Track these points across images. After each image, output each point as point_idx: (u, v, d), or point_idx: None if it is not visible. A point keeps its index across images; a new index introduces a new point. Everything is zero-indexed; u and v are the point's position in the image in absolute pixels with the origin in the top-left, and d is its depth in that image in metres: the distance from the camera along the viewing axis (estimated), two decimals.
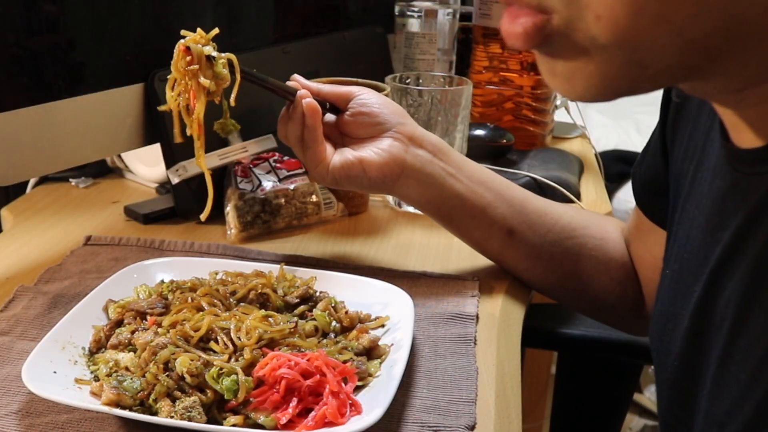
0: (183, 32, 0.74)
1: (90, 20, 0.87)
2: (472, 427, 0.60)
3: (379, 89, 1.00)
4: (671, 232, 0.65)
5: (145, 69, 0.93)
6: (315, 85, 0.82)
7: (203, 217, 0.78)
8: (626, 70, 0.41)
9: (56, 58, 0.84)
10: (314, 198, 0.98)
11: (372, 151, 0.80)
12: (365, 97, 0.82)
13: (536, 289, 0.87)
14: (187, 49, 0.74)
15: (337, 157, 0.80)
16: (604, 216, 0.85)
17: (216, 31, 0.75)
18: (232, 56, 0.76)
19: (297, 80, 0.82)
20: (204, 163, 0.78)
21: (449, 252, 0.92)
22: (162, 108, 0.77)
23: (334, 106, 0.83)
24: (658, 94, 0.71)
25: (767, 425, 0.44)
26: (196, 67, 0.73)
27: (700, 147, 0.60)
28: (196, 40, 0.74)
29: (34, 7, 0.81)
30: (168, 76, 0.75)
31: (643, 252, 0.80)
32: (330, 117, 0.83)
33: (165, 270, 0.78)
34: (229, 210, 0.94)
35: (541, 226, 0.82)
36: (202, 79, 0.74)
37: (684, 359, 0.57)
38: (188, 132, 0.76)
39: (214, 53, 0.75)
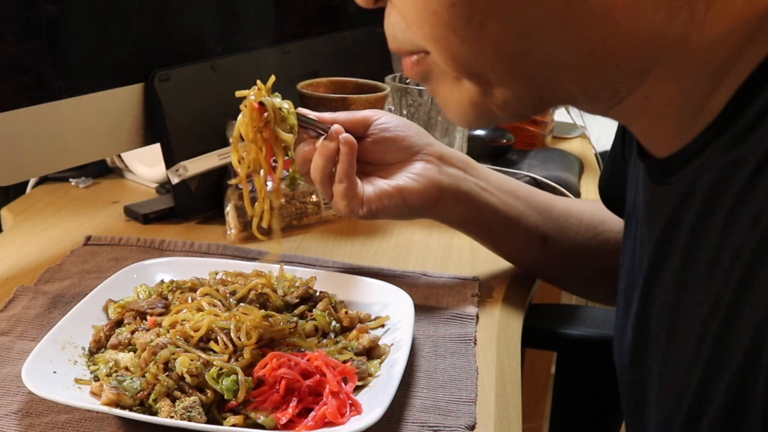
0: (238, 93, 0.68)
1: (90, 20, 0.87)
2: (472, 427, 0.60)
3: (379, 89, 1.00)
4: (622, 247, 0.65)
5: (145, 69, 0.93)
6: (329, 115, 0.78)
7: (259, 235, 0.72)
8: (477, 98, 0.48)
9: (56, 58, 0.84)
10: (314, 198, 0.98)
11: (408, 178, 0.77)
12: (385, 121, 0.79)
13: (571, 292, 0.87)
14: (261, 105, 0.67)
15: (369, 188, 0.76)
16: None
17: (273, 79, 0.69)
18: (289, 102, 0.70)
19: (309, 114, 0.76)
20: (279, 228, 0.71)
21: (449, 252, 0.92)
22: (234, 182, 0.71)
23: (350, 133, 0.77)
24: None
25: None
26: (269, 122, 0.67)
27: (634, 162, 0.61)
28: (259, 93, 0.68)
29: (34, 7, 0.81)
30: (232, 140, 0.69)
31: None
32: None
33: (165, 270, 0.78)
34: (229, 210, 0.94)
35: (570, 229, 0.82)
36: (282, 135, 0.68)
37: (632, 371, 0.57)
38: (261, 196, 0.70)
39: (285, 104, 0.69)
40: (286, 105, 0.69)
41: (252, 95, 0.68)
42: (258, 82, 0.69)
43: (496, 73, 0.46)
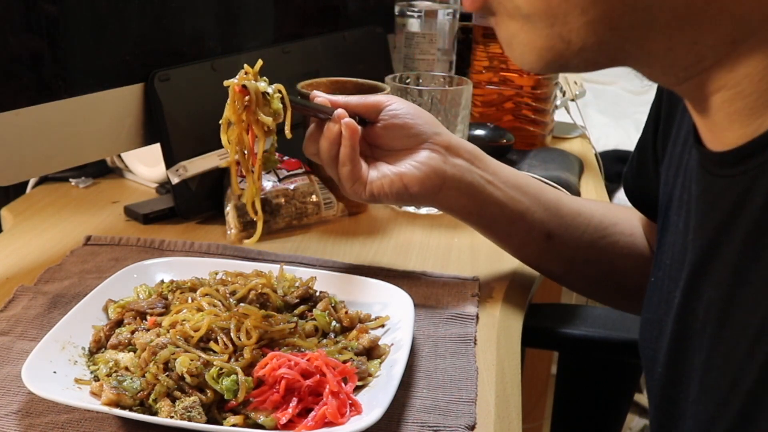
0: (225, 83, 0.71)
1: (90, 20, 0.87)
2: (472, 427, 0.60)
3: (379, 89, 1.00)
4: (658, 240, 0.64)
5: (145, 69, 0.93)
6: (342, 98, 0.79)
7: (251, 242, 0.78)
8: (551, 42, 0.45)
9: (56, 58, 0.84)
10: (314, 198, 0.98)
11: (411, 165, 0.77)
12: (396, 107, 0.79)
13: (575, 291, 0.86)
14: (243, 88, 0.70)
15: (374, 173, 0.77)
16: (627, 209, 0.84)
17: (260, 63, 0.72)
18: (281, 87, 0.73)
19: (321, 96, 0.79)
20: (259, 205, 0.75)
21: (449, 252, 0.92)
22: (225, 163, 0.74)
23: (362, 117, 0.79)
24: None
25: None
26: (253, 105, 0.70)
27: (679, 153, 0.60)
28: (245, 77, 0.70)
29: (34, 7, 0.81)
30: (221, 121, 0.72)
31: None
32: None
33: (165, 270, 0.78)
34: (229, 210, 0.94)
35: (576, 228, 0.81)
36: (262, 117, 0.71)
37: (669, 367, 0.57)
38: (246, 176, 0.73)
39: (269, 88, 0.72)
40: (270, 90, 0.71)
41: (236, 78, 0.71)
42: (245, 66, 0.71)
43: (584, 17, 0.43)
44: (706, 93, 0.46)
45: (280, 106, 0.72)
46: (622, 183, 0.79)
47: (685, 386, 0.53)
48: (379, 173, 0.77)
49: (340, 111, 0.76)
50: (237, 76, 0.71)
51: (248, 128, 0.72)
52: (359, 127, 0.77)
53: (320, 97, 0.79)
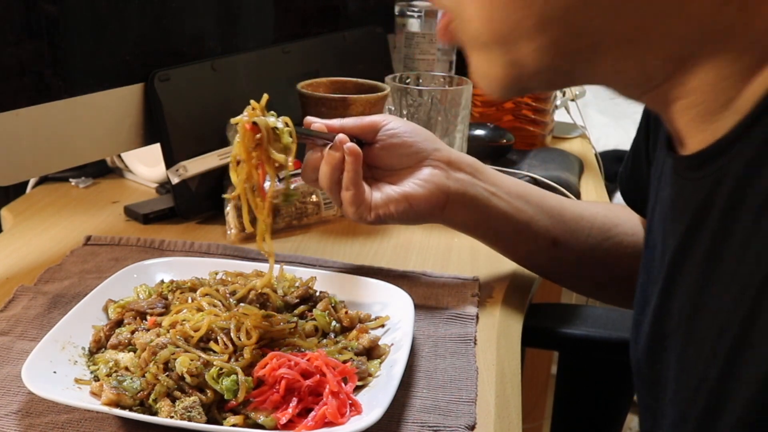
0: (233, 120, 0.69)
1: (90, 20, 0.87)
2: (472, 427, 0.60)
3: (378, 89, 1.00)
4: (644, 241, 0.65)
5: (145, 69, 0.93)
6: (337, 122, 0.78)
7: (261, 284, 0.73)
8: (507, 68, 0.48)
9: (56, 58, 0.84)
10: (314, 198, 0.98)
11: (415, 184, 0.77)
12: (393, 126, 0.79)
13: (585, 295, 0.86)
14: (254, 125, 0.68)
15: (378, 194, 0.77)
16: (628, 209, 0.84)
17: (266, 97, 0.70)
18: (288, 119, 0.70)
19: (317, 121, 0.78)
20: (272, 245, 0.71)
21: (449, 252, 0.92)
22: (229, 196, 0.71)
23: (359, 139, 0.78)
24: None
25: None
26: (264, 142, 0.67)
27: (662, 157, 0.60)
28: (253, 113, 0.68)
29: (34, 7, 0.81)
30: (230, 157, 0.69)
31: None
32: None
33: (165, 270, 0.78)
34: (229, 210, 0.94)
35: (581, 232, 0.81)
36: (275, 155, 0.68)
37: (649, 367, 0.57)
38: (257, 213, 0.70)
39: (279, 123, 0.69)
40: (281, 124, 0.69)
41: (245, 115, 0.68)
42: (252, 101, 0.69)
43: (534, 44, 0.46)
44: (665, 104, 0.48)
45: (290, 139, 0.70)
46: (618, 183, 0.79)
47: (662, 386, 0.54)
48: (383, 194, 0.77)
49: (341, 136, 0.75)
50: (244, 113, 0.69)
51: (258, 165, 0.69)
52: (361, 152, 0.76)
53: (316, 122, 0.78)
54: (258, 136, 0.68)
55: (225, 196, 0.75)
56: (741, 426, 0.42)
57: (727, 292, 0.44)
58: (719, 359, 0.44)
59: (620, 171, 0.78)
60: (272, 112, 0.70)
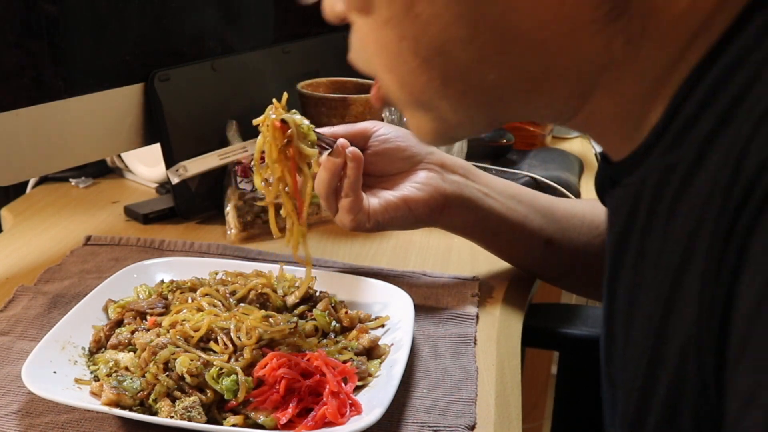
0: (255, 121, 0.67)
1: (90, 20, 0.87)
2: (472, 427, 0.60)
3: None
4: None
5: (145, 69, 0.93)
6: (327, 130, 0.77)
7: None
8: (433, 123, 0.50)
9: (56, 58, 0.84)
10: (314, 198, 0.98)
11: (413, 188, 0.77)
12: (384, 132, 0.79)
13: (579, 294, 0.86)
14: (282, 123, 0.66)
15: (375, 200, 0.77)
16: None
17: (286, 96, 0.69)
18: (303, 117, 0.69)
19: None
20: (309, 252, 0.69)
21: (449, 252, 0.92)
22: (265, 202, 0.68)
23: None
24: None
25: None
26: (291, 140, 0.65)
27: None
28: (279, 112, 0.66)
29: (34, 7, 0.81)
30: (253, 163, 0.67)
31: None
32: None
33: (165, 270, 0.78)
34: (229, 210, 0.94)
35: (573, 230, 0.82)
36: (306, 150, 0.67)
37: (606, 367, 0.58)
38: (284, 214, 0.68)
39: (306, 121, 0.67)
40: (307, 122, 0.68)
41: (272, 114, 0.67)
42: (274, 100, 0.68)
43: (445, 101, 0.48)
44: (586, 129, 0.51)
45: (315, 136, 0.69)
46: (594, 187, 0.80)
47: (615, 386, 0.54)
48: (381, 200, 0.77)
49: (342, 141, 0.75)
50: (270, 112, 0.67)
51: (291, 167, 0.67)
52: (363, 157, 0.75)
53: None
54: (289, 132, 0.66)
55: (259, 203, 0.73)
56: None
57: (651, 293, 0.45)
58: (645, 359, 0.45)
59: (596, 174, 0.79)
60: (294, 110, 0.68)
